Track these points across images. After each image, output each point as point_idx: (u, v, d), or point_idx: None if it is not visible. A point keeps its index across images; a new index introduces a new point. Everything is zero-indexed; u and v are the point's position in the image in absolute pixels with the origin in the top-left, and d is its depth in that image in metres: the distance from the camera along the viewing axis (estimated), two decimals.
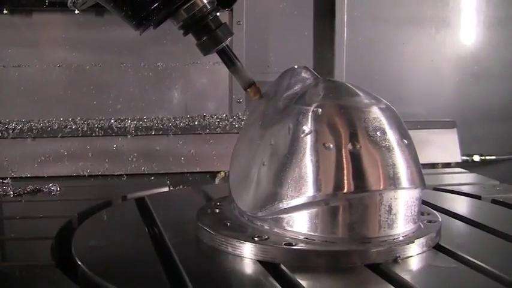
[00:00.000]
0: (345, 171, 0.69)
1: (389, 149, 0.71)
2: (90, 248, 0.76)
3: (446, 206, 0.95)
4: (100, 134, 1.36)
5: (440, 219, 0.80)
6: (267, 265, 0.68)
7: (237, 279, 0.68)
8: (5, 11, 1.42)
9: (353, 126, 0.70)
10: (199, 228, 0.77)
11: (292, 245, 0.69)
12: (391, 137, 0.71)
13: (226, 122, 1.44)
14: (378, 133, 0.71)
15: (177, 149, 1.37)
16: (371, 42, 1.64)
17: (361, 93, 0.75)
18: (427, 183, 0.96)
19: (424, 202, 0.86)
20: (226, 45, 0.86)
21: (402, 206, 0.72)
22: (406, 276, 0.65)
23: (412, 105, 1.66)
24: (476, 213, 0.96)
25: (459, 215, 0.91)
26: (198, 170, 1.37)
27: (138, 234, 0.82)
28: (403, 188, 0.71)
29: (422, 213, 0.80)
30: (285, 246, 0.69)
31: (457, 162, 1.53)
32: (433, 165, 1.53)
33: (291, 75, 0.82)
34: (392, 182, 0.70)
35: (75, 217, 0.90)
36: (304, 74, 0.81)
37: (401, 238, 0.71)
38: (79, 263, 0.70)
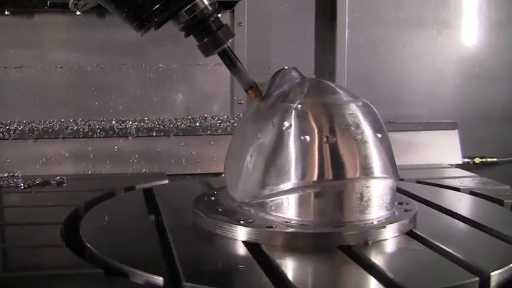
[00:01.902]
0: (320, 161, 0.77)
1: (362, 142, 0.79)
2: (96, 231, 0.85)
3: (426, 197, 1.02)
4: (101, 135, 1.36)
5: (416, 209, 0.87)
6: (250, 245, 0.76)
7: (220, 256, 0.77)
8: (6, 12, 1.42)
9: (329, 121, 0.79)
10: (195, 213, 0.86)
11: (272, 228, 0.77)
12: (365, 131, 0.79)
13: (227, 123, 1.44)
14: (352, 127, 0.79)
15: (178, 151, 1.37)
16: (372, 44, 1.64)
17: (341, 92, 0.84)
18: (411, 177, 1.15)
19: (405, 193, 1.00)
20: (228, 46, 0.86)
21: (374, 194, 0.80)
22: (373, 257, 0.72)
23: (414, 107, 1.66)
24: (453, 204, 1.02)
25: (437, 204, 0.98)
26: (199, 171, 1.36)
27: (139, 220, 0.91)
28: (375, 178, 0.79)
29: (401, 203, 0.88)
30: (266, 229, 0.77)
31: (458, 164, 1.53)
32: None
33: (281, 75, 0.89)
34: (365, 171, 0.78)
35: (81, 206, 0.98)
36: (294, 74, 0.88)
37: (373, 223, 0.79)
38: (87, 244, 0.77)
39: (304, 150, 0.78)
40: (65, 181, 1.20)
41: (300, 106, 0.80)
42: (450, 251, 0.75)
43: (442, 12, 1.67)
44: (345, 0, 1.58)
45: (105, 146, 1.35)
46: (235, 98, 1.55)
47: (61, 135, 1.34)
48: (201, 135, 1.39)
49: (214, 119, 1.50)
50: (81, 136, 1.35)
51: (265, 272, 0.69)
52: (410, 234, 0.81)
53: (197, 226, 0.85)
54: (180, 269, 0.68)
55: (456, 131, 1.56)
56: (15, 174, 1.26)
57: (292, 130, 0.79)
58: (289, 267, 0.72)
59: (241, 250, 0.76)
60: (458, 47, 1.69)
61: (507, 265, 0.71)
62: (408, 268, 0.72)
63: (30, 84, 1.47)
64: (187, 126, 1.41)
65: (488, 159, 1.68)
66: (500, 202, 1.02)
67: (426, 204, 0.99)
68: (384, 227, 0.78)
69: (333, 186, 0.78)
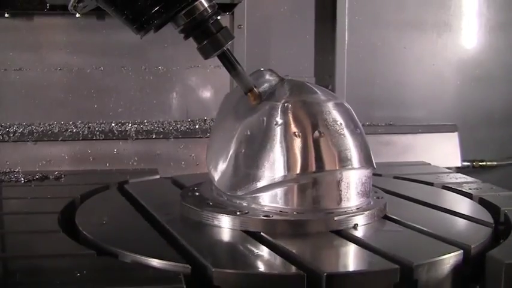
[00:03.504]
0: (310, 155, 0.84)
1: (345, 136, 0.86)
2: (89, 219, 0.91)
3: (401, 191, 1.09)
4: (101, 138, 1.35)
5: (385, 196, 0.96)
6: (249, 234, 0.82)
7: (233, 246, 0.82)
8: (6, 15, 1.42)
9: (316, 118, 0.86)
10: (185, 207, 0.91)
11: (269, 217, 0.83)
12: (347, 126, 0.87)
13: None
14: (336, 124, 0.86)
15: (177, 153, 1.37)
16: (372, 46, 1.64)
17: (318, 91, 0.91)
18: (389, 173, 1.24)
19: (383, 187, 1.05)
20: (227, 49, 0.86)
21: (358, 182, 0.88)
22: (365, 239, 0.81)
23: (414, 109, 1.66)
24: (425, 195, 1.07)
25: (410, 197, 1.05)
26: (198, 174, 1.36)
27: (129, 212, 0.97)
28: (358, 168, 0.87)
29: (375, 192, 0.97)
30: (263, 218, 0.83)
31: (457, 167, 1.52)
32: None
33: (257, 76, 0.94)
34: (349, 163, 0.86)
35: (77, 197, 1.05)
36: (270, 76, 0.94)
37: (356, 209, 0.87)
38: (81, 229, 0.84)
39: (296, 145, 0.84)
40: (63, 176, 1.25)
41: (288, 105, 0.86)
42: (424, 229, 0.84)
43: (442, 15, 1.67)
44: (345, 2, 1.58)
45: (104, 148, 1.35)
46: None
47: (60, 138, 1.34)
48: (200, 137, 1.39)
49: (213, 121, 1.49)
50: (80, 138, 1.35)
51: (279, 255, 0.74)
52: (386, 218, 0.91)
53: (189, 218, 0.90)
54: (207, 258, 0.73)
55: (456, 133, 1.57)
56: (16, 170, 1.28)
57: (284, 127, 0.85)
58: (298, 249, 0.77)
59: (247, 239, 0.81)
60: (459, 49, 1.69)
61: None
62: (397, 244, 0.80)
63: (30, 86, 1.47)
64: (187, 128, 1.41)
65: (488, 163, 1.68)
66: (469, 195, 1.08)
67: (398, 196, 1.06)
68: (368, 211, 0.87)
69: (323, 176, 0.85)
